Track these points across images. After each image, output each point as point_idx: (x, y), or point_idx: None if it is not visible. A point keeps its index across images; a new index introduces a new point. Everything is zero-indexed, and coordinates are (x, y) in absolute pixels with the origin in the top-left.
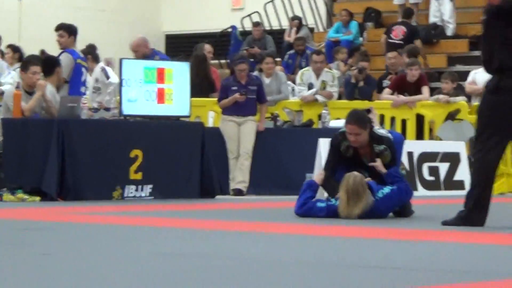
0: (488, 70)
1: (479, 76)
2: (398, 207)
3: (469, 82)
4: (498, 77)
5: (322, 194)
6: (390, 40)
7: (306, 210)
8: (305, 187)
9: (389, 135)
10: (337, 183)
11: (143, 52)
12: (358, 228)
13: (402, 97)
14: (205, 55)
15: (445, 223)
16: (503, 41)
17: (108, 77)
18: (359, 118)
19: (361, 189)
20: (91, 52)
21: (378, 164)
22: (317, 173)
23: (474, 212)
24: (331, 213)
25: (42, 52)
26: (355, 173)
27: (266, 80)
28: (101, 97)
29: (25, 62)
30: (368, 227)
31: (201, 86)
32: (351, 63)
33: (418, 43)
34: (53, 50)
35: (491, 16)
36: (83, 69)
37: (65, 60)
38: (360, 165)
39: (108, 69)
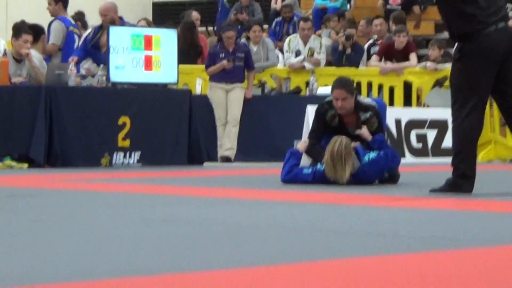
0: (451, 38)
1: None
2: (387, 174)
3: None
4: (460, 44)
5: (305, 162)
6: (388, 6)
7: (292, 177)
8: (288, 155)
9: (374, 103)
10: (322, 149)
11: (111, 17)
12: (345, 194)
13: (389, 64)
14: (193, 22)
15: (433, 190)
16: (455, 12)
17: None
18: (346, 83)
19: (347, 152)
20: (80, 19)
21: (364, 131)
22: (301, 142)
23: (461, 179)
24: (318, 177)
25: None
26: (342, 136)
27: (254, 48)
28: (88, 64)
29: (17, 29)
30: (355, 193)
31: (189, 53)
32: (337, 30)
33: (416, 9)
34: (43, 19)
35: None
36: (76, 36)
37: (57, 27)
38: (346, 134)
39: None
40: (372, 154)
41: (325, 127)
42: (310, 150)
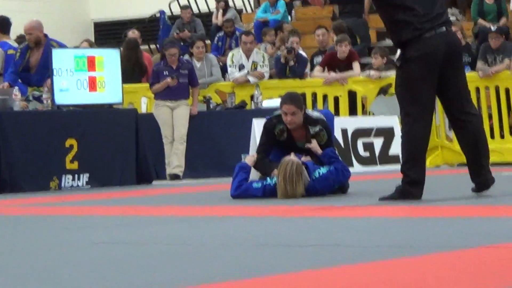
0: (394, 45)
1: None
2: (337, 187)
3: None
4: (401, 50)
5: (254, 175)
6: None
7: (242, 192)
8: (237, 169)
9: (323, 116)
10: (271, 163)
11: (36, 35)
12: (296, 207)
13: (333, 74)
14: (136, 40)
15: (382, 198)
16: (393, 20)
17: None
18: (294, 98)
19: (297, 174)
20: (22, 42)
21: (314, 145)
22: (249, 156)
23: (410, 186)
24: (268, 192)
25: None
26: (292, 158)
27: (197, 64)
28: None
29: None
30: (306, 205)
31: (133, 71)
32: (278, 42)
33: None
34: None
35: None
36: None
37: None
38: (294, 149)
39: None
40: (323, 169)
41: (274, 141)
42: (259, 165)
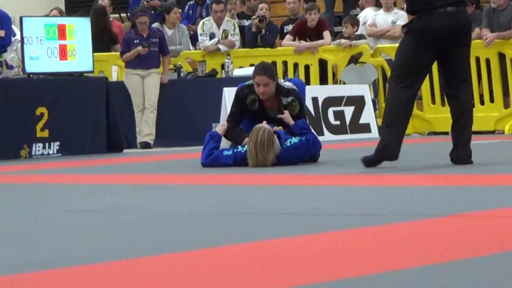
0: (407, 11)
1: (379, 18)
2: (308, 157)
3: (370, 25)
4: (410, 20)
5: (225, 144)
6: None
7: (213, 160)
8: (208, 138)
9: (295, 87)
10: (241, 132)
11: None
12: (267, 175)
13: (304, 43)
14: (104, 7)
15: (364, 158)
16: None
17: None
18: (267, 69)
19: (268, 141)
20: None
21: (286, 116)
22: (220, 125)
23: (383, 148)
24: (239, 160)
25: None
26: (264, 125)
27: (169, 32)
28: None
29: None
30: (277, 174)
31: (102, 39)
32: (246, 11)
33: None
34: None
35: None
36: None
37: None
38: (266, 119)
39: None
40: (294, 139)
41: (245, 111)
42: (230, 133)
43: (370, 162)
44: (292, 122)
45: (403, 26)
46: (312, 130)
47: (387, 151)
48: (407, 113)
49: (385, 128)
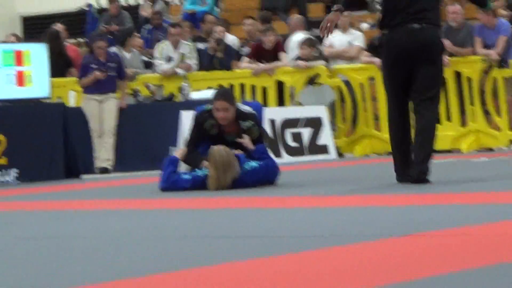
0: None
1: (336, 39)
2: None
3: (327, 46)
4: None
5: (183, 168)
6: None
7: (171, 184)
8: (166, 162)
9: (254, 111)
10: (200, 155)
11: None
12: (226, 198)
13: (261, 65)
14: (58, 31)
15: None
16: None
17: None
18: (227, 94)
19: (228, 161)
20: None
21: (246, 140)
22: (178, 150)
23: (401, 170)
24: (197, 183)
25: None
26: (221, 146)
27: (127, 55)
28: None
29: None
30: (236, 197)
31: (57, 63)
32: (204, 35)
33: None
34: None
35: None
36: None
37: None
38: (224, 143)
39: None
40: (253, 163)
41: (203, 135)
42: (188, 157)
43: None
44: (252, 147)
45: (377, 40)
46: (272, 155)
47: (398, 178)
48: (400, 134)
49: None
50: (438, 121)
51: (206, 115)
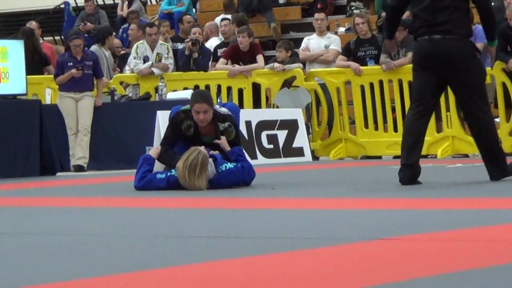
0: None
1: (312, 43)
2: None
3: (303, 49)
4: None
5: (158, 167)
6: None
7: (146, 183)
8: (141, 161)
9: (231, 113)
10: (175, 155)
11: None
12: (201, 198)
13: (237, 67)
14: (32, 29)
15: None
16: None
17: None
18: (206, 96)
19: (202, 164)
20: None
21: (223, 141)
22: (153, 149)
23: (401, 170)
24: (172, 183)
25: None
26: (200, 149)
27: (107, 54)
28: None
29: None
30: (211, 197)
31: (33, 61)
32: (181, 35)
33: None
34: None
35: None
36: None
37: None
38: (200, 144)
39: None
40: (229, 165)
41: (179, 135)
42: (163, 156)
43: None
44: (228, 148)
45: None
46: (248, 158)
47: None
48: (416, 137)
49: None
50: (491, 119)
51: (182, 116)
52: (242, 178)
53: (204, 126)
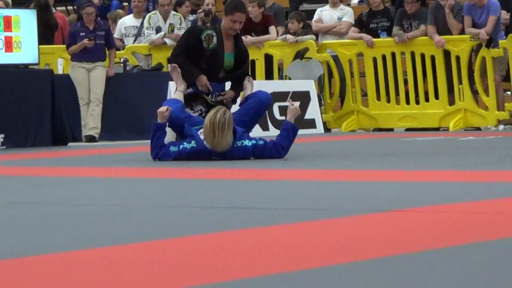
0: None
1: (325, 14)
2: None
3: (316, 20)
4: None
5: (170, 137)
6: None
7: (161, 156)
8: (153, 131)
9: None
10: (195, 68)
11: None
12: (214, 169)
13: (250, 38)
14: (47, 1)
15: None
16: None
17: None
18: (245, 7)
19: (228, 123)
20: None
21: (228, 96)
22: (176, 92)
23: None
24: (184, 155)
25: None
26: (224, 107)
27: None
28: None
29: None
30: (223, 168)
31: (45, 33)
32: (192, 6)
33: None
34: None
35: None
36: None
37: None
38: (218, 64)
39: None
40: (246, 142)
41: (194, 48)
42: (183, 71)
43: None
44: (248, 92)
45: None
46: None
47: None
48: None
49: None
50: None
51: (202, 27)
52: (259, 154)
53: (228, 38)
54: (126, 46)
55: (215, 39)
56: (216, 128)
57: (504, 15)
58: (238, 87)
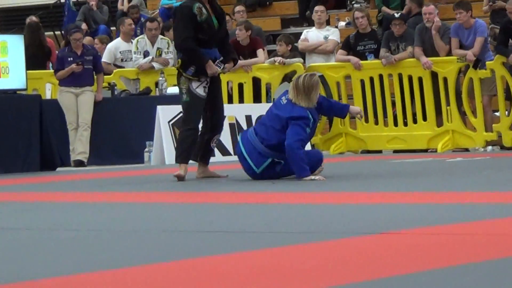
0: None
1: (311, 34)
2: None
3: (302, 40)
4: None
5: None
6: None
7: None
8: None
9: None
10: (201, 54)
11: None
12: (195, 194)
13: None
14: (38, 23)
15: None
16: None
17: None
18: None
19: (313, 84)
20: None
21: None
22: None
23: None
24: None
25: None
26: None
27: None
28: None
29: None
30: (207, 192)
31: (38, 55)
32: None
33: None
34: None
35: None
36: None
37: None
38: (214, 32)
39: None
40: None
41: (194, 23)
42: (196, 57)
43: None
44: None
45: None
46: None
47: None
48: None
49: None
50: None
51: (189, 3)
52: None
53: (206, 1)
54: (114, 71)
55: (204, 10)
56: (302, 90)
57: None
58: (230, 53)
